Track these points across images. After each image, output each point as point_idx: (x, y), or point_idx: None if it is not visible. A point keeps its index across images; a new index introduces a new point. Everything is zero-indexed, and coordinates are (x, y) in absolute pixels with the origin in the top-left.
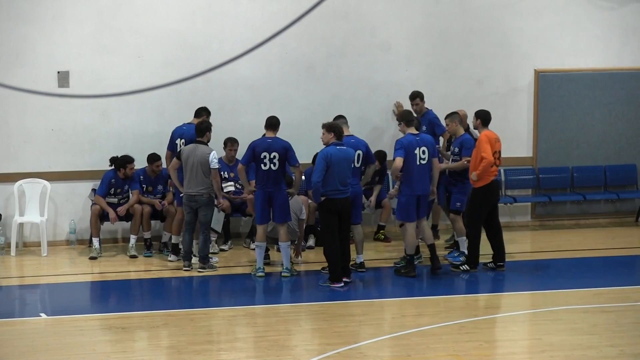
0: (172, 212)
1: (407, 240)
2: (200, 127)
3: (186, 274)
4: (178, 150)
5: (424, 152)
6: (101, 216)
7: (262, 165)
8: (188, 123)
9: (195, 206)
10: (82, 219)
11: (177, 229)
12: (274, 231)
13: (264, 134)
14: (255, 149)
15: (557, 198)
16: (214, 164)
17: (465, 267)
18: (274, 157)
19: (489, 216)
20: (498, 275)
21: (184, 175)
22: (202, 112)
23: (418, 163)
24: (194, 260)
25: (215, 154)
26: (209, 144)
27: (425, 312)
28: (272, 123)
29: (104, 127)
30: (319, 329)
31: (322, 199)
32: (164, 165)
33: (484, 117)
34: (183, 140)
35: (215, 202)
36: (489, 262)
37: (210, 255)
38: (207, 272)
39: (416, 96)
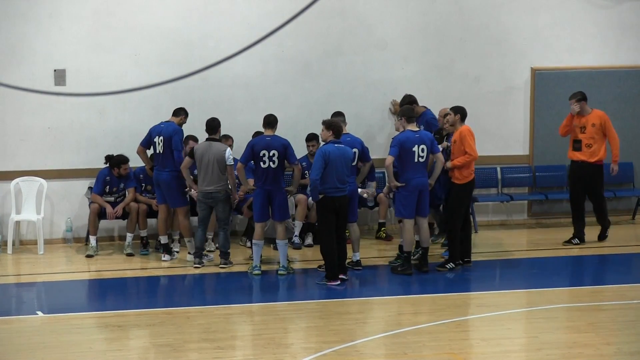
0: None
1: (404, 238)
2: (212, 124)
3: (181, 271)
4: (155, 148)
5: (422, 150)
6: (99, 214)
7: (261, 163)
8: (166, 121)
9: (212, 203)
10: (79, 217)
11: (163, 229)
12: (270, 230)
13: (260, 132)
14: (254, 147)
15: (553, 196)
16: (230, 161)
17: (451, 265)
18: (273, 155)
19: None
20: (494, 273)
21: (198, 173)
22: (181, 112)
23: (416, 160)
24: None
25: (230, 151)
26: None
27: (422, 310)
28: (270, 121)
29: (100, 125)
30: (316, 327)
31: (321, 196)
32: (135, 163)
33: (463, 113)
34: (161, 138)
35: (231, 198)
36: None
37: (206, 252)
38: (228, 268)
39: (413, 102)
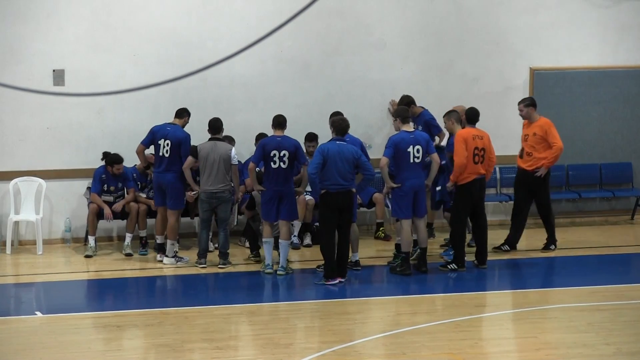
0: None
1: (402, 238)
2: (216, 124)
3: (180, 271)
4: (158, 150)
5: (418, 151)
6: (98, 214)
7: (272, 163)
8: (171, 124)
9: (215, 203)
10: (78, 217)
11: (161, 229)
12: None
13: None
14: (265, 147)
15: (552, 196)
16: (235, 160)
17: (453, 266)
18: (284, 155)
19: (474, 214)
20: (493, 273)
21: (201, 172)
22: (184, 113)
23: (411, 161)
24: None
25: (234, 151)
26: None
27: (421, 310)
28: (280, 122)
29: (99, 125)
30: (315, 327)
31: (323, 191)
32: (133, 162)
33: (468, 115)
34: (168, 142)
35: (234, 198)
36: (473, 260)
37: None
38: (227, 268)
39: (410, 102)
